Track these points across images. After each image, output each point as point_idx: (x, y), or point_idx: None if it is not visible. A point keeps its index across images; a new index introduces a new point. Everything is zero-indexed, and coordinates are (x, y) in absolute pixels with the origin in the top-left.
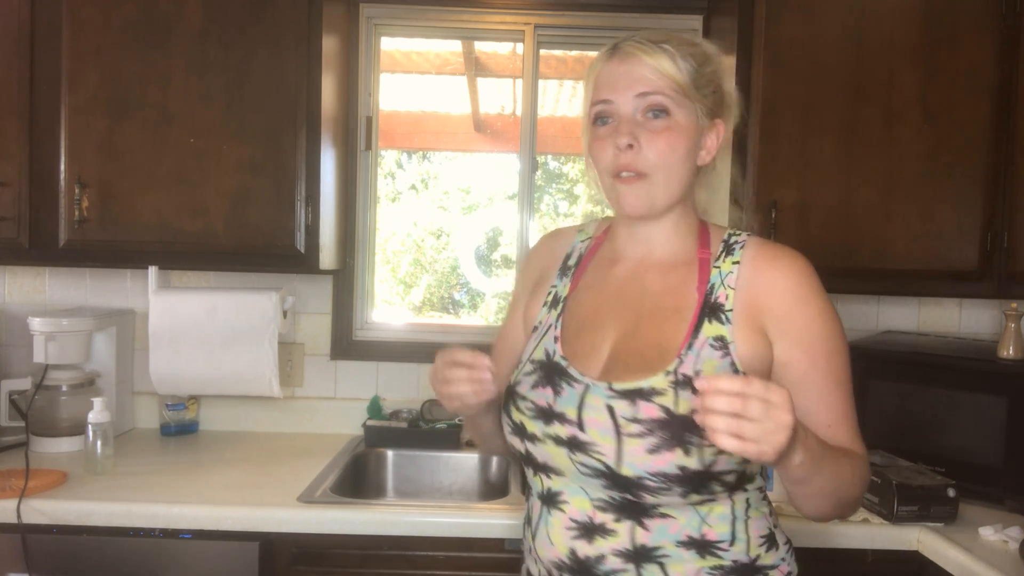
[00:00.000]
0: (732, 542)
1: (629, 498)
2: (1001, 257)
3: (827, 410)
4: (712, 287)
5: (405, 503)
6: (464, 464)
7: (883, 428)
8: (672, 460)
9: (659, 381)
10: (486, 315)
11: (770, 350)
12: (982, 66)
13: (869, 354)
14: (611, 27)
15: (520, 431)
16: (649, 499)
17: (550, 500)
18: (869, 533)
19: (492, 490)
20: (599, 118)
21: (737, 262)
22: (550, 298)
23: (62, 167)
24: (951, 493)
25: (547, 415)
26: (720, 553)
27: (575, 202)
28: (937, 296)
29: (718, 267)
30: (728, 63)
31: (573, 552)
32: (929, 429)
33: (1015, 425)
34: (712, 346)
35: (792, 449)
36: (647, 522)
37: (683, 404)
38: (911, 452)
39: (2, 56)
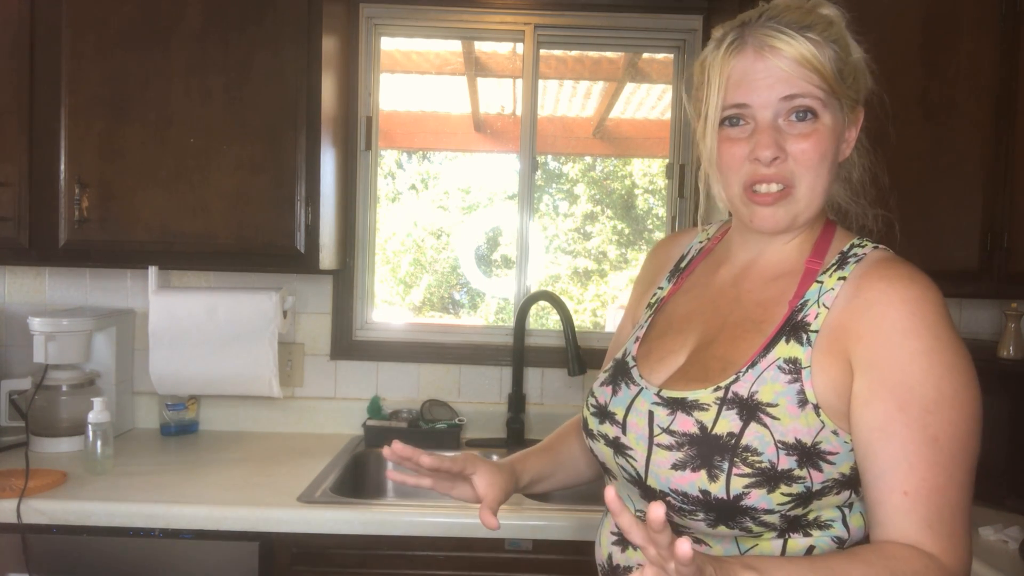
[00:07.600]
0: None
1: None
2: (1001, 257)
3: (908, 472)
4: (805, 303)
5: (405, 503)
6: None
7: None
8: (694, 481)
9: (706, 395)
10: (486, 315)
11: (851, 384)
12: (982, 66)
13: None
14: (611, 27)
15: (585, 427)
16: (676, 519)
17: None
18: None
19: None
20: (728, 119)
21: (844, 278)
22: (654, 300)
23: (62, 167)
24: None
25: (602, 413)
26: None
27: (575, 202)
28: None
29: (821, 281)
30: None
31: (610, 557)
32: None
33: (1015, 425)
34: (781, 368)
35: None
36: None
37: (722, 424)
38: None
39: (2, 56)
